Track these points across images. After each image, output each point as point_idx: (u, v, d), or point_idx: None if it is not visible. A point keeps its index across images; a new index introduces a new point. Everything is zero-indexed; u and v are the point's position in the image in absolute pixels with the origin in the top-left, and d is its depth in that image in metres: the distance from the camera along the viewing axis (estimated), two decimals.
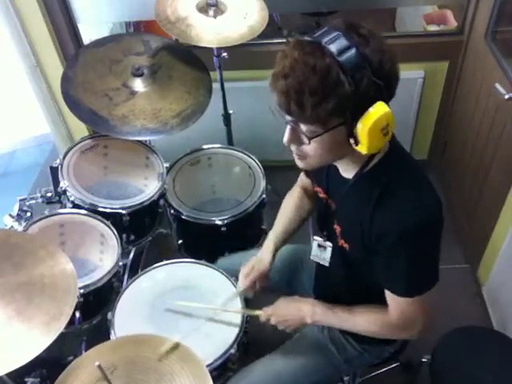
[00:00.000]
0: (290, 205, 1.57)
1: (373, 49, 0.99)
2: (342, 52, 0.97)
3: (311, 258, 1.40)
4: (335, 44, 0.98)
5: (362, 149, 1.03)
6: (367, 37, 1.00)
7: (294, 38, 1.03)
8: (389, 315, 1.24)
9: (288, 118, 1.07)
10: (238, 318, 1.53)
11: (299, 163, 1.17)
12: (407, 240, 1.10)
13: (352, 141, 1.04)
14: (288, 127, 1.10)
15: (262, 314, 1.46)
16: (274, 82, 1.03)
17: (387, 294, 1.22)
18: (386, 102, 1.01)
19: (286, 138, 1.11)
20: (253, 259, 1.52)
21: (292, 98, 1.00)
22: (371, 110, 0.99)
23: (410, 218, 1.10)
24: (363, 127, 1.00)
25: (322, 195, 1.35)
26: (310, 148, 1.09)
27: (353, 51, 0.97)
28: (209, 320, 1.52)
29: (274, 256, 1.51)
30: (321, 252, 1.37)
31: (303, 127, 1.06)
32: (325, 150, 1.09)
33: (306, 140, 1.07)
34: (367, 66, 0.97)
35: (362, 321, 1.31)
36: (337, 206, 1.28)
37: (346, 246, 1.26)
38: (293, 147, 1.13)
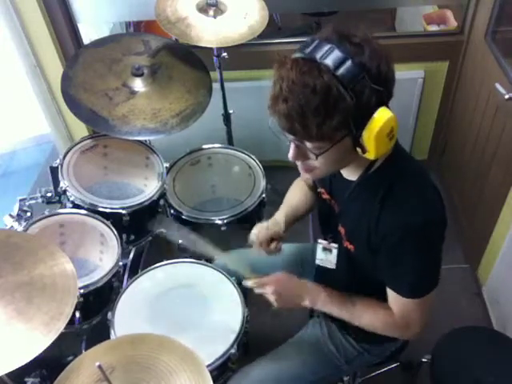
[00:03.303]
0: (299, 188, 1.56)
1: (369, 56, 0.98)
2: (338, 66, 0.95)
3: (316, 263, 1.38)
4: (330, 58, 0.96)
5: (370, 155, 1.03)
6: (361, 44, 0.98)
7: (284, 56, 1.01)
8: (391, 314, 1.24)
9: (292, 137, 1.06)
10: (238, 319, 1.53)
11: (306, 175, 1.16)
12: (411, 239, 1.10)
13: (359, 149, 1.04)
14: (292, 145, 1.09)
15: (255, 281, 1.34)
16: (273, 106, 1.01)
17: (390, 294, 1.22)
18: (387, 104, 1.01)
19: (291, 155, 1.10)
20: (266, 222, 1.45)
21: (295, 120, 0.99)
22: (375, 116, 0.99)
23: (414, 216, 1.10)
24: (370, 135, 1.00)
25: (325, 196, 1.35)
26: (317, 162, 1.08)
27: (349, 63, 0.96)
28: (209, 322, 1.53)
29: (286, 224, 1.45)
30: (326, 255, 1.36)
31: (309, 144, 1.05)
32: (332, 162, 1.09)
33: (313, 156, 1.07)
34: (365, 75, 0.96)
35: (364, 315, 1.29)
36: (341, 207, 1.28)
37: (350, 247, 1.26)
38: (298, 162, 1.13)
